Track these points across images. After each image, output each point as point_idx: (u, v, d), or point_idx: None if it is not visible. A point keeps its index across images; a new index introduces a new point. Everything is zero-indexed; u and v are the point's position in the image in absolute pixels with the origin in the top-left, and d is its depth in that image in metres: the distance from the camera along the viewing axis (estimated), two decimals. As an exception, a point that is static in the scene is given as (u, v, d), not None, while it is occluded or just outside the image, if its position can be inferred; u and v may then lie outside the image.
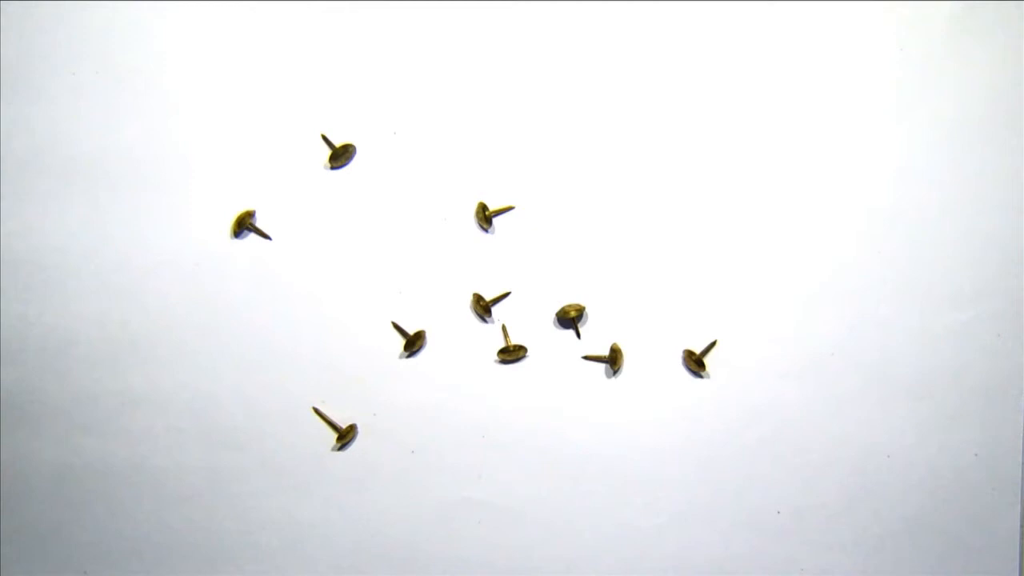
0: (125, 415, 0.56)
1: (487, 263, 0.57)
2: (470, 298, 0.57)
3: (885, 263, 0.57)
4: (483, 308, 0.56)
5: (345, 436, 0.55)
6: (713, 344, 0.56)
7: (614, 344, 0.56)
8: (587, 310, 0.56)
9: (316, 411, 0.56)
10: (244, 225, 0.57)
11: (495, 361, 0.56)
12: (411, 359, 0.56)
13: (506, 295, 0.56)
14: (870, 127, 0.58)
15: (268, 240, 0.57)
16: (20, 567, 0.55)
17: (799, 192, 0.57)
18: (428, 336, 0.56)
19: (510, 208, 0.57)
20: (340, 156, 0.58)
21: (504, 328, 0.56)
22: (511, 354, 0.56)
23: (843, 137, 0.58)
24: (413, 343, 0.56)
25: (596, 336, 0.56)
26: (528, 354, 0.56)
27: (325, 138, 0.58)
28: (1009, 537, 0.55)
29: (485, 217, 0.57)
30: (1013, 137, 0.57)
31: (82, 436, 0.56)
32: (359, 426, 0.56)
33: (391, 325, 0.57)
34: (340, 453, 0.56)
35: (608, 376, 0.56)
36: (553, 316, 0.56)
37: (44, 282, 0.57)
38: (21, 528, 0.56)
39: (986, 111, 0.58)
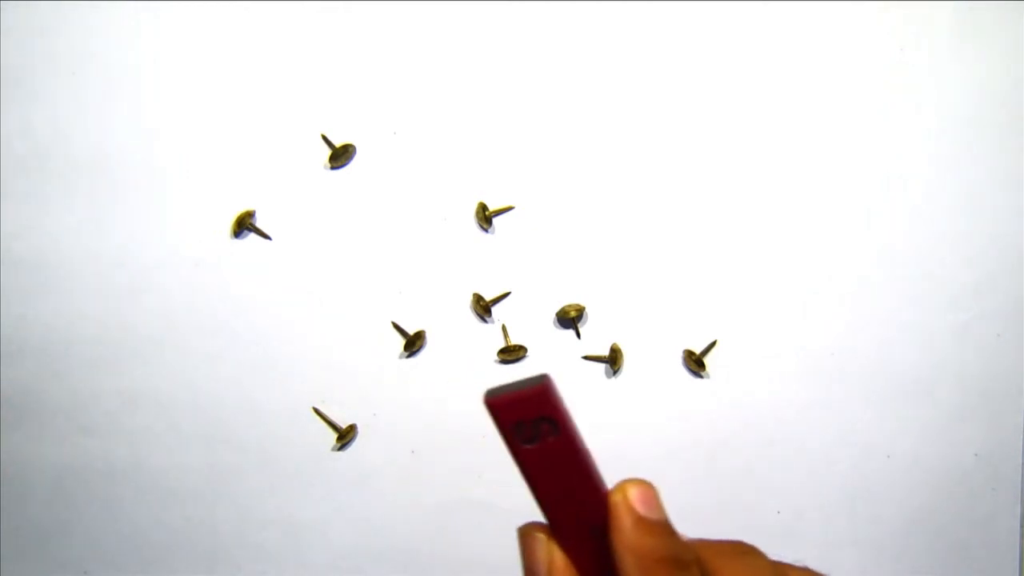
0: (125, 415, 0.56)
1: (487, 263, 0.57)
2: (470, 298, 0.57)
3: (885, 263, 0.57)
4: (483, 308, 0.56)
5: (345, 436, 0.55)
6: (713, 344, 0.56)
7: (614, 344, 0.56)
8: (587, 310, 0.56)
9: (316, 411, 0.56)
10: (244, 225, 0.57)
11: (495, 361, 0.56)
12: (411, 359, 0.56)
13: (506, 295, 0.56)
14: (870, 127, 0.58)
15: (268, 240, 0.57)
16: (20, 567, 0.55)
17: (799, 192, 0.57)
18: (428, 336, 0.56)
19: (510, 208, 0.57)
20: (340, 156, 0.58)
21: (504, 328, 0.56)
22: (511, 354, 0.56)
23: (843, 137, 0.58)
24: (413, 343, 0.56)
25: (596, 336, 0.56)
26: (528, 354, 0.56)
27: (325, 138, 0.58)
28: (1009, 537, 0.55)
29: (485, 217, 0.57)
30: (1013, 137, 0.57)
31: (82, 436, 0.56)
32: (359, 426, 0.56)
33: (391, 325, 0.57)
34: (340, 453, 0.56)
35: (608, 376, 0.56)
36: (553, 316, 0.56)
37: (44, 282, 0.57)
38: (21, 528, 0.56)
39: (986, 111, 0.58)
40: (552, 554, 0.36)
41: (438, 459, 0.55)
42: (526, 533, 0.36)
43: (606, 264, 0.57)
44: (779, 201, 0.57)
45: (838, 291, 0.56)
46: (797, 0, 0.59)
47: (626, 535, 0.35)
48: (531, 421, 0.36)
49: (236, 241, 0.57)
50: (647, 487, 0.36)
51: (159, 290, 0.57)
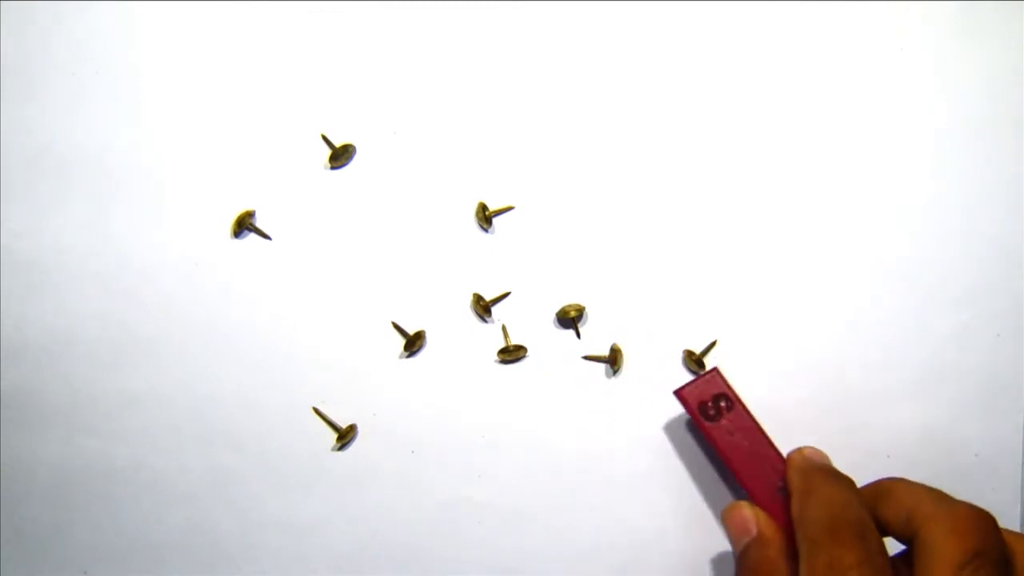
0: (125, 415, 0.56)
1: (487, 263, 0.57)
2: (470, 298, 0.57)
3: (885, 263, 0.57)
4: (483, 308, 0.56)
5: (345, 436, 0.55)
6: (713, 344, 0.56)
7: (614, 344, 0.56)
8: (587, 310, 0.56)
9: (316, 411, 0.56)
10: (244, 225, 0.57)
11: (495, 361, 0.56)
12: (411, 359, 0.56)
13: (506, 295, 0.56)
14: (870, 128, 0.58)
15: (268, 240, 0.57)
16: (20, 567, 0.56)
17: (799, 193, 0.57)
18: (428, 336, 0.56)
19: (510, 208, 0.57)
20: (340, 156, 0.58)
21: (504, 328, 0.56)
22: (511, 354, 0.56)
23: (843, 138, 0.58)
24: (413, 343, 0.56)
25: (596, 336, 0.56)
26: (528, 354, 0.56)
27: (325, 138, 0.58)
28: (1009, 537, 0.55)
29: (485, 217, 0.57)
30: (1014, 137, 0.57)
31: (82, 436, 0.56)
32: (359, 426, 0.56)
33: (391, 325, 0.57)
34: (340, 453, 0.56)
35: (608, 376, 0.56)
36: (553, 316, 0.56)
37: (44, 282, 0.57)
38: (21, 528, 0.56)
39: (987, 111, 0.58)
40: (757, 512, 0.47)
41: (438, 459, 0.55)
42: (731, 507, 0.48)
43: (606, 264, 0.57)
44: (779, 201, 0.57)
45: (838, 291, 0.56)
46: (797, 0, 0.59)
47: (792, 465, 0.48)
48: (710, 402, 0.49)
49: (236, 241, 0.57)
50: (818, 450, 0.49)
51: (159, 290, 0.57)
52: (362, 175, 0.58)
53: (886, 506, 0.44)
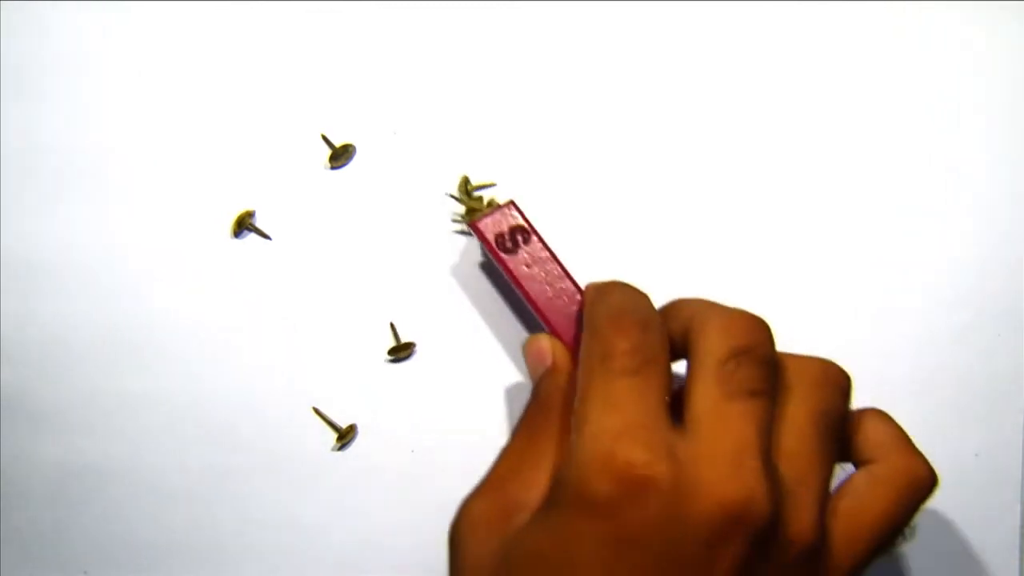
0: (125, 415, 0.56)
1: (487, 262, 0.57)
2: (457, 180, 0.57)
3: (885, 263, 0.57)
4: (468, 195, 0.56)
5: (345, 436, 0.55)
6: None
7: None
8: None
9: (316, 411, 0.56)
10: (244, 225, 0.57)
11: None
12: (411, 359, 0.56)
13: (491, 185, 0.56)
14: (869, 128, 0.58)
15: (268, 240, 0.57)
16: (20, 567, 0.56)
17: (798, 193, 0.57)
18: (428, 336, 0.56)
19: (491, 184, 0.57)
20: (340, 156, 0.58)
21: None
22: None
23: (842, 138, 0.58)
24: (413, 344, 0.56)
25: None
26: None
27: (325, 138, 0.58)
28: (1009, 537, 0.55)
29: (468, 193, 0.57)
30: (1014, 137, 0.57)
31: (82, 436, 0.56)
32: (359, 426, 0.56)
33: (389, 326, 0.57)
34: (340, 453, 0.56)
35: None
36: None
37: (44, 282, 0.57)
38: (21, 528, 0.56)
39: (987, 111, 0.58)
40: (554, 343, 0.47)
41: (438, 459, 0.55)
42: (529, 340, 0.48)
43: (607, 264, 0.57)
44: (778, 201, 0.57)
45: (838, 291, 0.56)
46: (797, 0, 0.59)
47: (589, 285, 0.47)
48: (507, 234, 0.49)
49: (236, 241, 0.57)
50: (615, 279, 0.47)
51: (159, 290, 0.57)
52: (362, 175, 0.58)
53: (670, 321, 0.44)
